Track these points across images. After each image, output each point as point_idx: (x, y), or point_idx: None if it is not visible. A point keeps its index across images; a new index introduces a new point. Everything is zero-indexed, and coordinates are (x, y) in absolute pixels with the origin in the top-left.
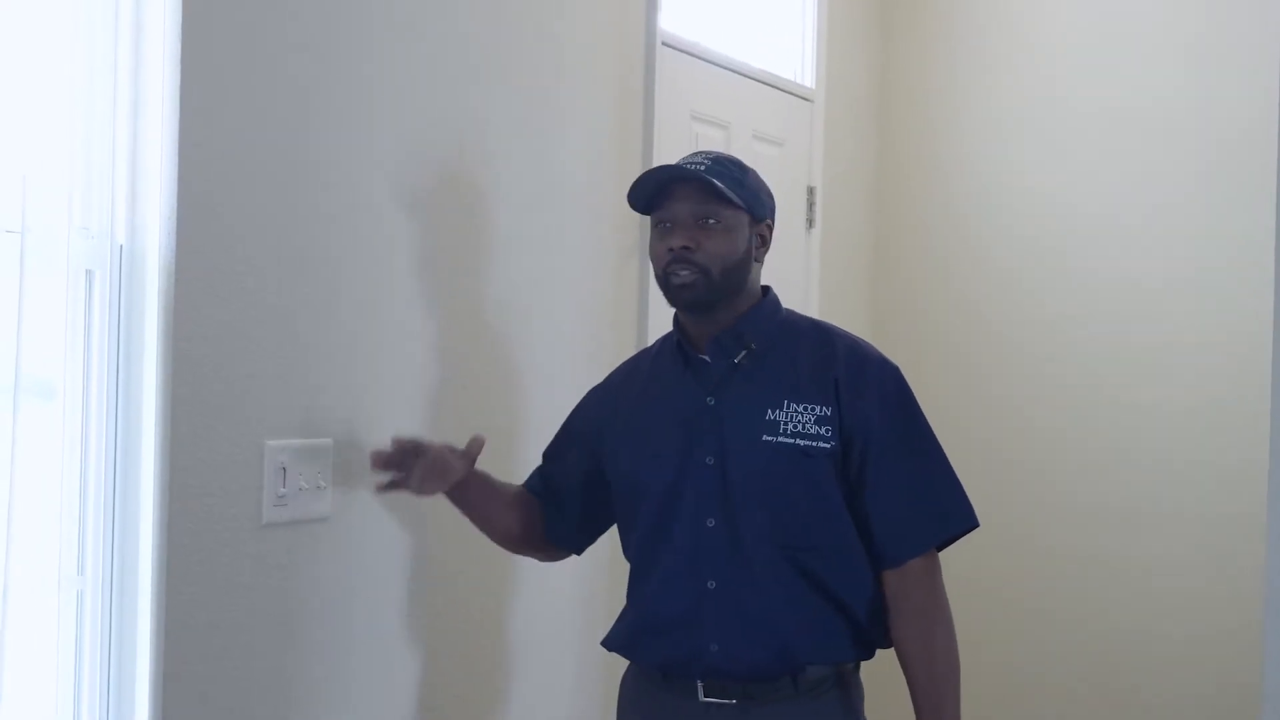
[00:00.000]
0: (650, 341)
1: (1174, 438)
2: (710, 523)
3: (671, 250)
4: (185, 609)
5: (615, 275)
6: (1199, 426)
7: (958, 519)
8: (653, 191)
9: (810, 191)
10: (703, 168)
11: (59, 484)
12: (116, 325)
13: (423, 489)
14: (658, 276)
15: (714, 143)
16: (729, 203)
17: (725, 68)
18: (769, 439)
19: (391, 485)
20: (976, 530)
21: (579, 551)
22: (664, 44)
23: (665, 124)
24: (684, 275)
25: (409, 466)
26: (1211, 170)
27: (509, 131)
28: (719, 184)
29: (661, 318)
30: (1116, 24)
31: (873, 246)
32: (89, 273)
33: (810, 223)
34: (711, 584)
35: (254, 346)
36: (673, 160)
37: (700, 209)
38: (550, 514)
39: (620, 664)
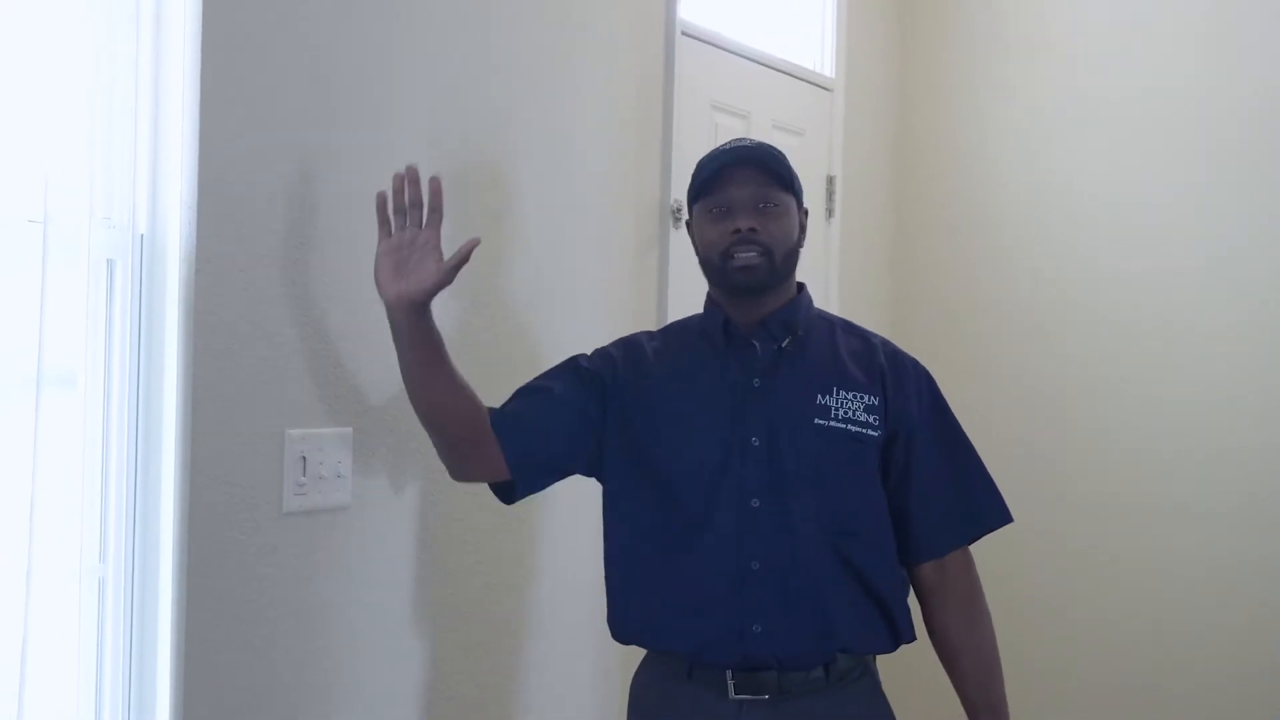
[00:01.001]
0: None
1: (1200, 429)
2: (755, 503)
3: (737, 231)
4: (205, 597)
5: (635, 266)
6: (1226, 418)
7: (996, 513)
8: (705, 177)
9: (830, 181)
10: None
11: (80, 472)
12: (138, 314)
13: (382, 264)
14: (713, 260)
15: (734, 132)
16: (784, 187)
17: (745, 57)
18: (820, 422)
19: (387, 220)
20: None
21: (520, 486)
22: (683, 33)
23: (685, 114)
24: (749, 256)
25: (405, 217)
26: (1236, 159)
27: (528, 122)
28: (779, 168)
29: (680, 308)
30: (1138, 13)
31: (892, 236)
32: (110, 262)
33: (830, 213)
34: (755, 565)
35: (274, 336)
36: (696, 149)
37: (761, 192)
38: (526, 429)
39: (639, 657)
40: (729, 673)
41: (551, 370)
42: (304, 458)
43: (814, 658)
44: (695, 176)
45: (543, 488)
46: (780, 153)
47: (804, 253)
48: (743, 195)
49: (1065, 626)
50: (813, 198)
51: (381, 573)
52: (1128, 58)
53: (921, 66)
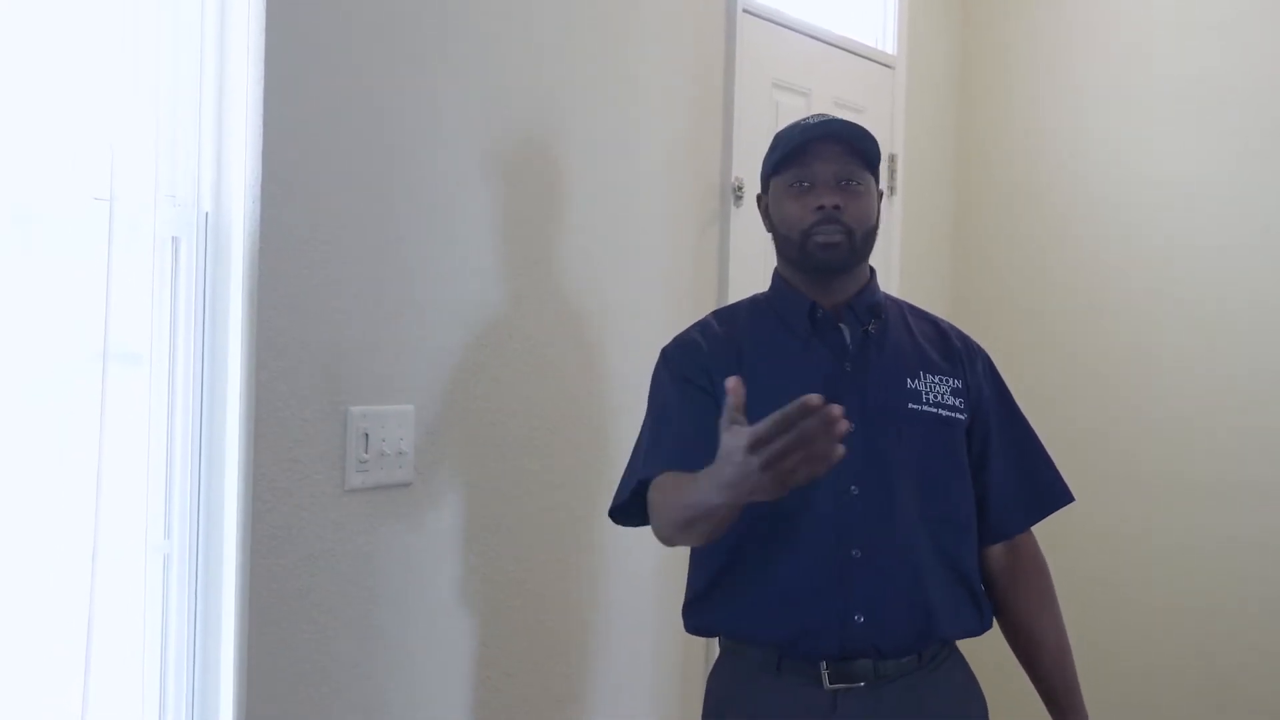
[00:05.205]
0: None
1: (1265, 408)
2: (854, 490)
3: (821, 208)
4: (269, 572)
5: (695, 245)
6: None
7: (1061, 492)
8: (787, 149)
9: (891, 159)
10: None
11: (146, 449)
12: (202, 292)
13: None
14: (792, 237)
15: (796, 111)
16: (867, 166)
17: (806, 34)
18: (914, 407)
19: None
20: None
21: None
22: (745, 11)
23: (746, 91)
24: (831, 234)
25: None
26: None
27: (588, 101)
28: (865, 145)
29: (740, 287)
30: None
31: (954, 214)
32: (175, 240)
33: (891, 190)
34: (856, 553)
35: (337, 313)
36: (757, 127)
37: (845, 170)
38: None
39: (697, 644)
40: (823, 663)
41: (680, 408)
42: (366, 434)
43: (913, 645)
44: (775, 148)
45: None
46: (867, 131)
47: None
48: (826, 172)
49: (1127, 609)
50: None
51: (442, 550)
52: (1192, 35)
53: (983, 44)
